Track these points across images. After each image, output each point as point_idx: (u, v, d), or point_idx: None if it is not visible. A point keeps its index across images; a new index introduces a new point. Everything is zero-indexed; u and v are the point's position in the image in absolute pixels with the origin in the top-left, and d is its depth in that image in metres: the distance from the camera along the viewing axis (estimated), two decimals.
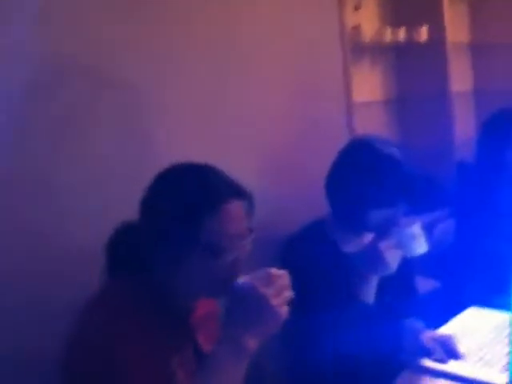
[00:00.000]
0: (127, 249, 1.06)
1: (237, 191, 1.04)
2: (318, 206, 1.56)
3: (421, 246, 1.39)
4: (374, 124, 2.35)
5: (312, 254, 1.45)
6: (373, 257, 1.37)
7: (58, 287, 1.28)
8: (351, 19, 2.21)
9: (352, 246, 1.52)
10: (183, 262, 1.02)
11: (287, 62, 1.78)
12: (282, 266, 1.37)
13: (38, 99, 1.28)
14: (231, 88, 1.64)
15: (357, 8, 2.34)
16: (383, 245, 1.36)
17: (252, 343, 0.95)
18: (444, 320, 1.55)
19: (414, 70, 2.62)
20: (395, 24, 2.50)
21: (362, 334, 1.31)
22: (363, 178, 1.43)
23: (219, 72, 1.60)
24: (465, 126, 2.74)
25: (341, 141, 1.61)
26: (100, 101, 1.38)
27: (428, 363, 1.34)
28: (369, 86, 2.44)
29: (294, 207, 1.79)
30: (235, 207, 1.02)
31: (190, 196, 1.01)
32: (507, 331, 1.24)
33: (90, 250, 1.15)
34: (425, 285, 1.93)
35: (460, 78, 2.77)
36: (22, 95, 1.25)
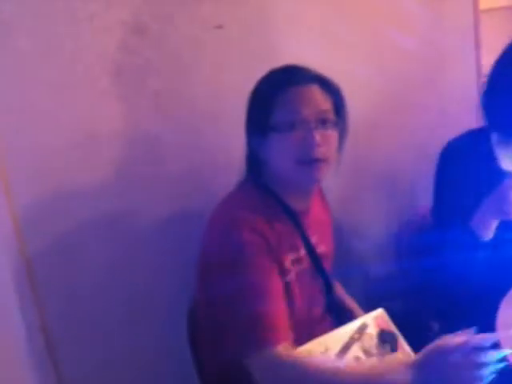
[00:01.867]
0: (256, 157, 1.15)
1: (315, 79, 1.10)
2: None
3: None
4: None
5: (467, 163, 1.33)
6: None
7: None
8: None
9: None
10: (268, 148, 1.09)
11: None
12: (438, 169, 1.36)
13: None
14: None
15: None
16: None
17: None
18: None
19: None
20: None
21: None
22: None
23: None
24: None
25: (467, 47, 1.57)
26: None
27: None
28: None
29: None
30: (308, 91, 1.08)
31: (266, 83, 1.12)
32: None
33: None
34: None
35: None
36: None
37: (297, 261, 1.13)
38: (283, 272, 1.08)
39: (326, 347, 1.02)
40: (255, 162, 1.15)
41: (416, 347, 1.04)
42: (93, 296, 1.31)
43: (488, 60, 1.97)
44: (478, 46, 1.84)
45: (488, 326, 1.08)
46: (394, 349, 1.06)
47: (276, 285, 1.03)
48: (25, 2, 1.16)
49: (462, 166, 1.33)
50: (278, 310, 1.01)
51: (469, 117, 1.76)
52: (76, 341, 1.30)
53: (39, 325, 1.25)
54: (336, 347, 1.02)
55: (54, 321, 1.27)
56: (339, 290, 1.37)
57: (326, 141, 1.06)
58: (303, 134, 1.05)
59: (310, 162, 1.06)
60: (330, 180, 1.46)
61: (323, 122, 1.07)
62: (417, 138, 1.75)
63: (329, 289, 1.22)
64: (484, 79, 1.37)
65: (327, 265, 1.23)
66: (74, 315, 1.29)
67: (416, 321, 1.46)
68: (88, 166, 1.27)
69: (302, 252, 1.15)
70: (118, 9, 1.24)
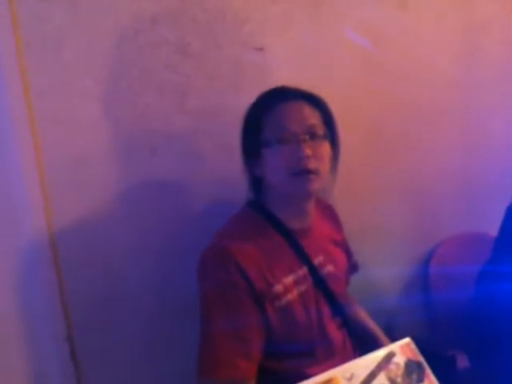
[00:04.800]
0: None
1: (302, 95, 1.13)
2: None
3: None
4: None
5: None
6: None
7: None
8: None
9: None
10: (262, 165, 1.13)
11: None
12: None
13: None
14: None
15: None
16: None
17: None
18: None
19: None
20: None
21: None
22: None
23: None
24: None
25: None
26: None
27: None
28: None
29: None
30: (295, 106, 1.11)
31: (255, 104, 1.16)
32: None
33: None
34: None
35: None
36: None
37: (298, 281, 1.14)
38: (276, 296, 1.10)
39: (352, 374, 1.01)
40: (254, 183, 1.19)
41: (441, 380, 1.03)
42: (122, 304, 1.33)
43: None
44: None
45: None
46: (420, 379, 1.04)
47: (244, 323, 1.06)
48: (73, 15, 1.19)
49: None
50: (233, 347, 1.05)
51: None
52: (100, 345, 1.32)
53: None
54: (362, 374, 1.01)
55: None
56: (360, 314, 1.36)
57: (316, 153, 1.09)
58: (293, 147, 1.08)
59: (300, 173, 1.08)
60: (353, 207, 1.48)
61: (312, 135, 1.10)
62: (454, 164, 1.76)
63: (337, 310, 1.21)
64: None
65: (338, 286, 1.23)
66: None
67: (442, 353, 1.45)
68: (126, 179, 1.29)
69: (302, 272, 1.15)
70: (162, 27, 1.27)
